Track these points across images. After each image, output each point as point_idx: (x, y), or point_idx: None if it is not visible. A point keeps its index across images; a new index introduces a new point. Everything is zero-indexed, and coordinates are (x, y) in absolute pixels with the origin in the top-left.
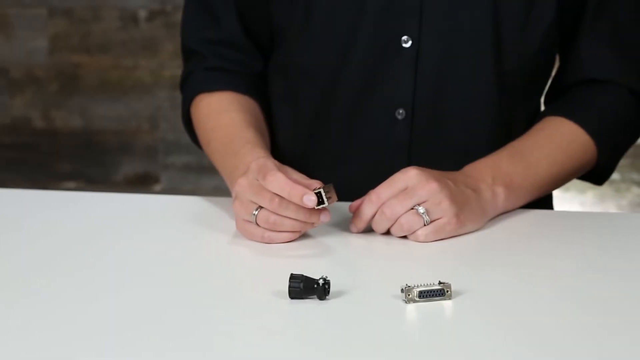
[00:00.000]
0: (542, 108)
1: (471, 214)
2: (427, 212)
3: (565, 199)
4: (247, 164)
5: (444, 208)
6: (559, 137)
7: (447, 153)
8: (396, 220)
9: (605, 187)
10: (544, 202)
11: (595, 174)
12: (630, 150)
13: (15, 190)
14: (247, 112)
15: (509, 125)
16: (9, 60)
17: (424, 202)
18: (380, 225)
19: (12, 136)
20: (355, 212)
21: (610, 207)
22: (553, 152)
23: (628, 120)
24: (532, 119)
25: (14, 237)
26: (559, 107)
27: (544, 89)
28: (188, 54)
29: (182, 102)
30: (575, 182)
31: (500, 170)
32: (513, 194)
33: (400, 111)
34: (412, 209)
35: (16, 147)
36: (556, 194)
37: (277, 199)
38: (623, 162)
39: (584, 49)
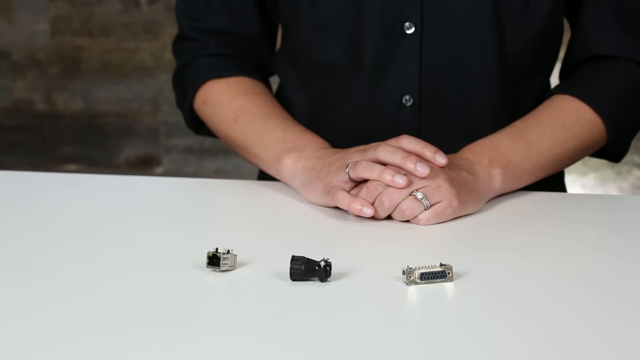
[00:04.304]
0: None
1: (470, 196)
2: (425, 196)
3: (566, 182)
4: (307, 139)
5: (442, 192)
6: (562, 116)
7: (455, 137)
8: (396, 207)
9: (607, 170)
10: (555, 182)
11: (609, 151)
12: None
13: (17, 173)
14: (272, 96)
15: (514, 107)
16: (11, 43)
17: (422, 187)
18: (380, 214)
19: (13, 119)
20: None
21: (612, 190)
22: (556, 130)
23: (638, 95)
24: (538, 99)
25: (16, 219)
26: (565, 85)
27: (550, 69)
28: (184, 38)
29: (183, 86)
30: (577, 165)
31: (497, 151)
32: (511, 175)
33: (407, 97)
34: (411, 194)
35: (18, 129)
36: None
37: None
38: None
39: (589, 26)
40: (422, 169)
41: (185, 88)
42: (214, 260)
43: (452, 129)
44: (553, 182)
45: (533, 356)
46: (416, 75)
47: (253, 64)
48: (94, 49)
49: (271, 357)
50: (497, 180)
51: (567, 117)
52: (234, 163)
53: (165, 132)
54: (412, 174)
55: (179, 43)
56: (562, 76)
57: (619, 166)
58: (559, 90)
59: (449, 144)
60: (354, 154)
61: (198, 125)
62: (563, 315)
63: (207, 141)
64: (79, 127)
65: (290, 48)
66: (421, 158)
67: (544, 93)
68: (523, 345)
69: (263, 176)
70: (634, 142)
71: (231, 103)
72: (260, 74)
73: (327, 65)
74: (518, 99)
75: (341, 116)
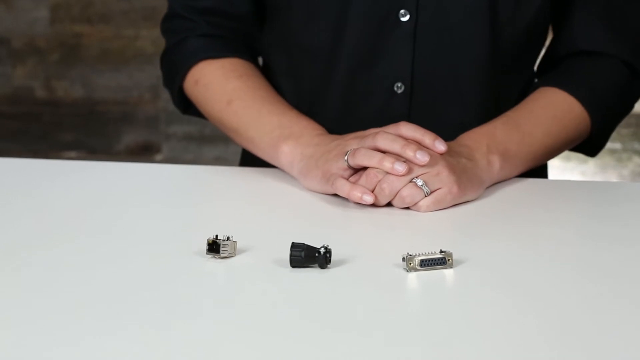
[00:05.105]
0: (536, 80)
1: (469, 183)
2: (426, 183)
3: (567, 169)
4: (304, 126)
5: (442, 178)
6: (553, 108)
7: (445, 126)
8: (396, 194)
9: (607, 157)
10: (538, 172)
11: (589, 145)
12: (632, 120)
13: (17, 160)
14: (265, 79)
15: (498, 97)
16: (10, 30)
17: (422, 174)
18: (380, 201)
19: (13, 106)
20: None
21: (612, 177)
22: (547, 122)
23: (621, 92)
24: (522, 90)
25: (16, 206)
26: (553, 78)
27: (535, 60)
28: (174, 16)
29: (174, 65)
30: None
31: (495, 138)
32: (508, 162)
33: (399, 85)
34: (411, 181)
35: (18, 117)
36: (557, 163)
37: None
38: (625, 131)
39: (576, 22)
40: (421, 157)
41: (175, 67)
42: (213, 247)
43: (442, 117)
44: (536, 171)
45: (532, 343)
46: (409, 62)
47: (244, 44)
48: (93, 36)
49: (271, 343)
50: (495, 167)
51: (557, 110)
52: (234, 150)
53: (165, 119)
54: (411, 161)
55: (169, 21)
56: (541, 69)
57: (619, 153)
58: (547, 82)
59: (439, 132)
60: (351, 141)
61: (186, 105)
62: (562, 302)
63: (207, 129)
64: (79, 114)
65: (278, 33)
66: (420, 145)
67: (529, 85)
68: (522, 331)
69: (245, 161)
70: (633, 129)
71: (225, 85)
72: (251, 55)
73: (317, 51)
74: (503, 91)
75: (332, 102)
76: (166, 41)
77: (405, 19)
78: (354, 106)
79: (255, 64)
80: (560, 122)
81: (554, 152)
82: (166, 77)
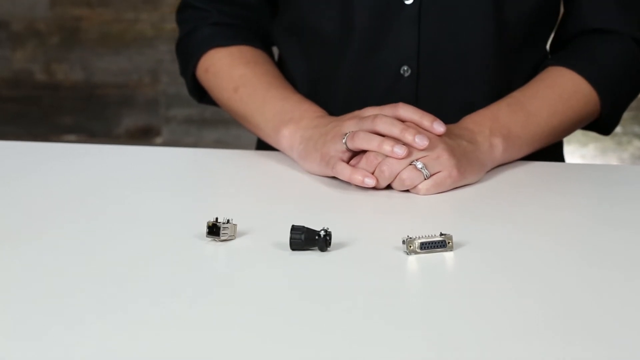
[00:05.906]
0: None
1: (470, 166)
2: (425, 166)
3: (567, 152)
4: (305, 109)
5: (442, 161)
6: (560, 88)
7: (453, 108)
8: (396, 177)
9: (607, 140)
10: (553, 152)
11: (601, 124)
12: (633, 104)
13: (17, 143)
14: (274, 65)
15: (510, 78)
16: (10, 14)
17: (422, 157)
18: (380, 183)
19: (13, 89)
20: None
21: (612, 160)
22: (554, 102)
23: (632, 69)
24: (533, 70)
25: (16, 189)
26: (561, 57)
27: (546, 40)
28: (187, 6)
29: (186, 54)
30: (577, 135)
31: (498, 120)
32: (511, 144)
33: (405, 68)
34: (411, 164)
35: (17, 100)
36: None
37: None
38: (625, 115)
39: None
40: (420, 141)
41: (188, 56)
42: (213, 229)
43: (449, 99)
44: (552, 152)
45: (533, 325)
46: (414, 45)
47: (255, 33)
48: (93, 20)
49: (271, 326)
50: (498, 149)
51: (564, 90)
52: (234, 133)
53: (165, 102)
54: (411, 145)
55: (183, 11)
56: (552, 48)
57: (619, 136)
58: (554, 62)
59: (447, 114)
60: (348, 122)
61: (201, 93)
62: (562, 284)
63: (207, 111)
64: (79, 97)
65: (289, 18)
66: (419, 128)
67: (540, 64)
68: (523, 314)
69: (262, 145)
70: (634, 113)
71: (232, 72)
72: (263, 43)
73: (326, 35)
74: (514, 71)
75: (340, 86)
76: (179, 31)
77: (409, 2)
78: (362, 90)
79: (267, 51)
80: (567, 102)
81: (561, 133)
82: (180, 66)
